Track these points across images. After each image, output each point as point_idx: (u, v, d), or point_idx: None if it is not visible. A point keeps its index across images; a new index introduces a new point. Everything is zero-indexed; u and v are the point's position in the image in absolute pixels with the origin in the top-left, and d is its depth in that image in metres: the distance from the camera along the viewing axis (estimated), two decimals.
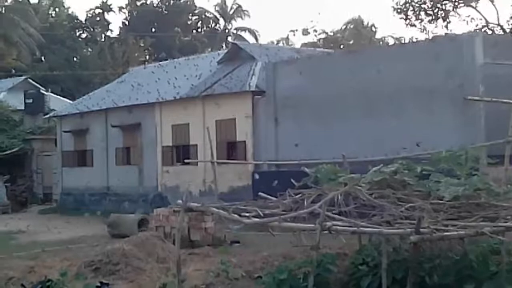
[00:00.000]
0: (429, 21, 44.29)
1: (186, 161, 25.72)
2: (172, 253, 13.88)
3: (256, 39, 68.34)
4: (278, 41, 65.25)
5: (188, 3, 69.47)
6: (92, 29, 67.05)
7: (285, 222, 12.06)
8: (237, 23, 71.89)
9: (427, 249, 11.38)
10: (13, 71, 53.56)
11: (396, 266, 11.07)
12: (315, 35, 61.47)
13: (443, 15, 43.89)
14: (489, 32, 41.40)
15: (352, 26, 64.38)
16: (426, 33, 44.36)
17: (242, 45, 32.82)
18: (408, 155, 16.31)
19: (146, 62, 51.63)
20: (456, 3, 43.53)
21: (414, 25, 44.77)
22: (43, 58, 60.45)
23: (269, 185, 16.81)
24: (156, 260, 14.67)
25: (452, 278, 11.01)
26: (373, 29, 64.76)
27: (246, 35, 70.33)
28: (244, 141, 24.81)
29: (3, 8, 56.42)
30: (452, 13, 43.90)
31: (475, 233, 10.51)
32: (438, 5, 43.31)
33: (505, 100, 16.73)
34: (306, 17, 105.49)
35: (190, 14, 70.63)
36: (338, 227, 11.30)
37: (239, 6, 71.02)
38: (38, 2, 65.18)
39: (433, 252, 11.49)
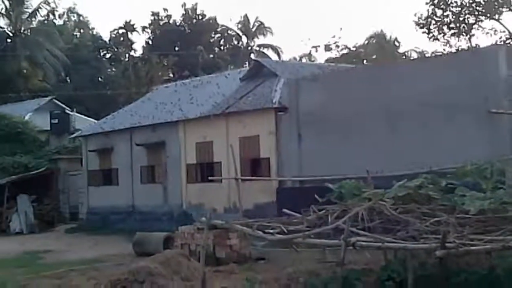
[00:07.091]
0: (452, 35, 44.15)
1: (210, 178, 25.78)
2: (197, 270, 13.82)
3: (279, 55, 68.68)
4: (300, 57, 65.32)
5: (211, 21, 69.82)
6: (116, 49, 67.94)
7: (310, 238, 12.04)
8: (260, 40, 72.43)
9: (453, 264, 11.25)
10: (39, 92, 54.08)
11: (423, 282, 10.97)
12: (338, 51, 61.29)
13: (466, 28, 43.67)
14: None
15: (374, 41, 64.12)
16: (449, 47, 44.14)
17: (264, 62, 32.78)
18: (432, 169, 16.22)
19: (170, 81, 51.78)
20: (479, 16, 43.34)
21: (437, 39, 44.52)
22: (68, 79, 61.20)
23: (294, 201, 16.76)
24: (182, 278, 14.67)
25: None
26: (396, 43, 64.52)
27: (269, 52, 70.77)
28: (268, 158, 24.69)
29: (29, 31, 57.17)
30: (475, 26, 43.75)
31: (502, 247, 10.40)
32: (461, 19, 43.10)
33: None
34: (329, 33, 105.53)
35: (213, 32, 71.11)
36: (363, 243, 11.26)
37: (261, 23, 71.41)
38: (63, 24, 65.99)
39: (459, 267, 11.38)
